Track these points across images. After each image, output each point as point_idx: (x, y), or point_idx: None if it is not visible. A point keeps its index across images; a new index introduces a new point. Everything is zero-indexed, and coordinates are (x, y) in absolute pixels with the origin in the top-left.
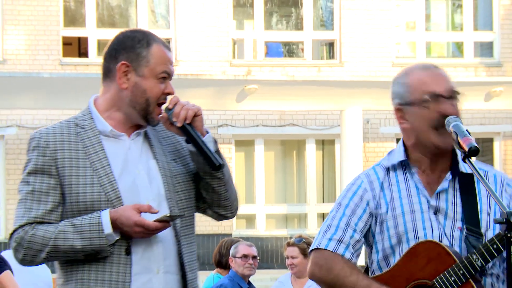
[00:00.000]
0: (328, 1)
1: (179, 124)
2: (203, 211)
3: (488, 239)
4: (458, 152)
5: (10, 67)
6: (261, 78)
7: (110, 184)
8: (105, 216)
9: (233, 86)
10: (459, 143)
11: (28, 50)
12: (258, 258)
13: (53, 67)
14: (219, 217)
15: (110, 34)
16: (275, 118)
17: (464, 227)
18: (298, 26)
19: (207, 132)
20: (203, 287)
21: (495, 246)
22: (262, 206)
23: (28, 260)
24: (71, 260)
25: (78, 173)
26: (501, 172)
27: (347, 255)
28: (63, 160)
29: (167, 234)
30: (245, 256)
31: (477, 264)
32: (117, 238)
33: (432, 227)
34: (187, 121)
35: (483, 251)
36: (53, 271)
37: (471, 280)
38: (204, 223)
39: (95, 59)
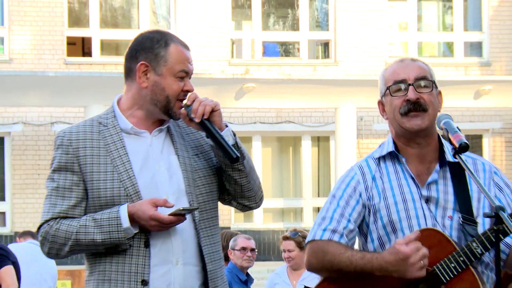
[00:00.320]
0: (323, 3)
1: (197, 120)
2: (229, 203)
3: (488, 227)
4: (445, 142)
5: (16, 66)
6: (259, 77)
7: (129, 179)
8: (123, 211)
9: (231, 84)
10: (449, 140)
11: (33, 49)
12: (256, 250)
13: (58, 66)
14: (244, 207)
15: (113, 34)
16: (272, 116)
17: (460, 215)
18: (294, 26)
19: (226, 126)
20: None
21: (494, 235)
22: None
23: (53, 253)
24: (94, 253)
25: (100, 169)
26: (489, 161)
27: (342, 242)
28: (85, 157)
29: (186, 226)
30: (243, 249)
31: (477, 251)
32: (136, 231)
33: (424, 215)
34: (205, 117)
35: (483, 239)
36: (78, 263)
37: (470, 267)
38: None
39: (98, 59)
